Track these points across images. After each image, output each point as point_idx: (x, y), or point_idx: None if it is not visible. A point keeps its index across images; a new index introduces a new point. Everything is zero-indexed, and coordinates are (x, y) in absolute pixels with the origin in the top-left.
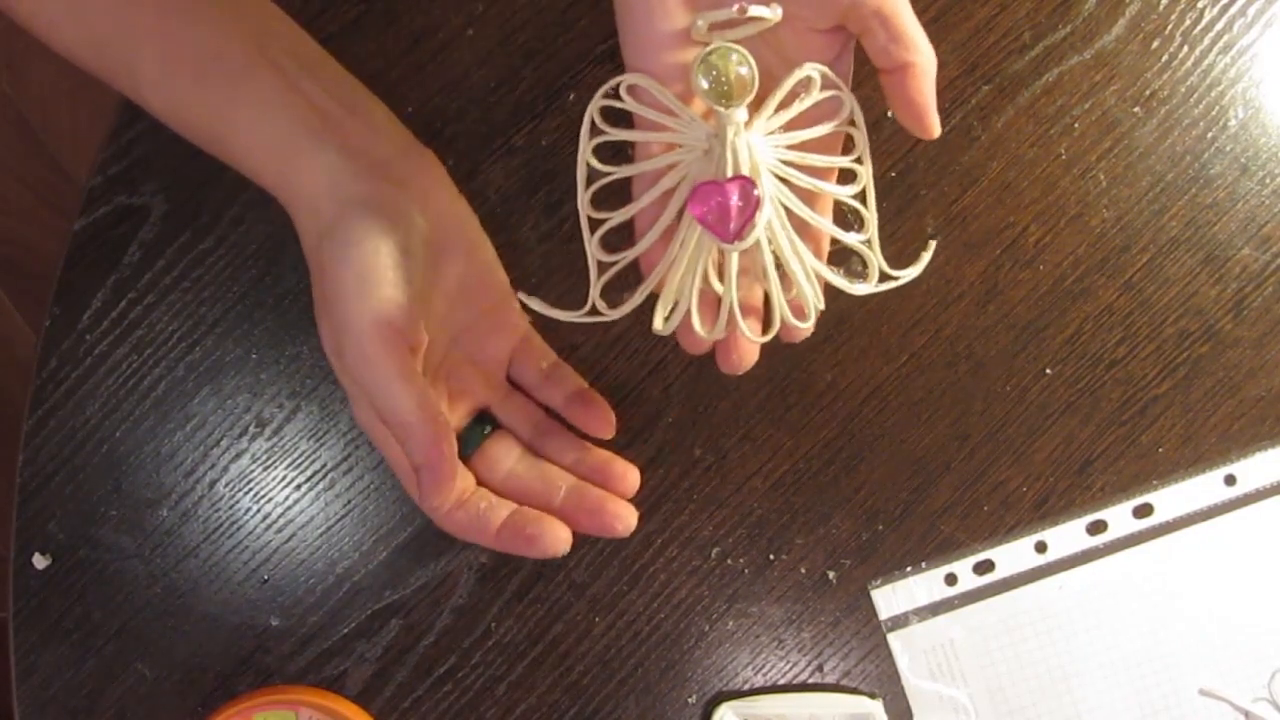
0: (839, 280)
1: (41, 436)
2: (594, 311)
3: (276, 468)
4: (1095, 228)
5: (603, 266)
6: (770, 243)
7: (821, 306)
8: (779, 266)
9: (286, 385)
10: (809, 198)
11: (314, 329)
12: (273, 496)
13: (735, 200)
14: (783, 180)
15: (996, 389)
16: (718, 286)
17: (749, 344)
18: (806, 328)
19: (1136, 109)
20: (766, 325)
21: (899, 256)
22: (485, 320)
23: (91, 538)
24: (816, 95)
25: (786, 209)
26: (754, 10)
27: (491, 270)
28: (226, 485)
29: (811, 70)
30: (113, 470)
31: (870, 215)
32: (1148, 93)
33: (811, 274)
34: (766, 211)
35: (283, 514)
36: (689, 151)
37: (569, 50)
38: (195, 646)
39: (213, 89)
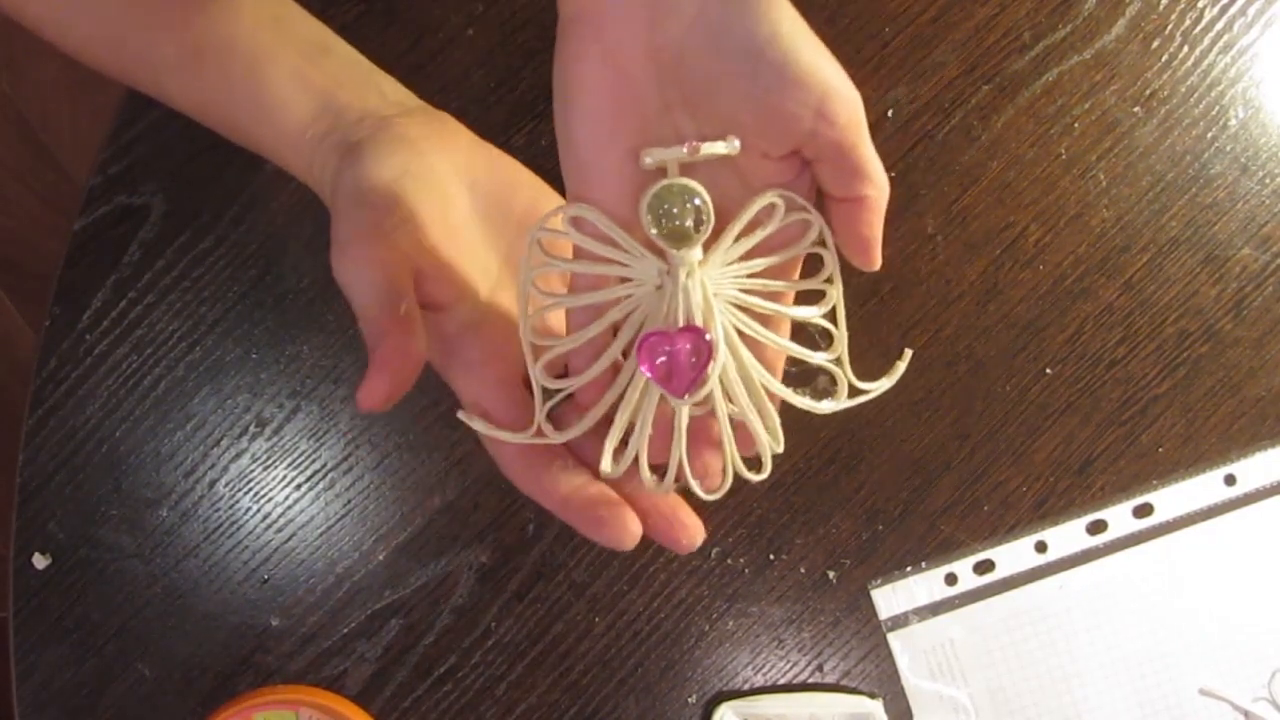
0: (804, 402)
1: (41, 436)
2: (539, 434)
3: (276, 468)
4: (1095, 228)
5: (548, 392)
6: (725, 390)
7: (780, 449)
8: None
9: (286, 385)
10: (772, 319)
11: (314, 328)
12: (273, 496)
13: (686, 352)
14: (743, 309)
15: (996, 389)
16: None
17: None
18: (762, 479)
19: (1136, 109)
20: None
21: (898, 257)
22: None
23: (91, 537)
24: (779, 220)
25: (746, 336)
26: (707, 149)
27: (550, 204)
28: (226, 485)
29: (774, 197)
30: (113, 470)
31: (840, 334)
32: (1148, 93)
33: (773, 418)
34: (720, 360)
35: (283, 514)
36: (640, 284)
37: None
38: (195, 646)
39: (238, 76)
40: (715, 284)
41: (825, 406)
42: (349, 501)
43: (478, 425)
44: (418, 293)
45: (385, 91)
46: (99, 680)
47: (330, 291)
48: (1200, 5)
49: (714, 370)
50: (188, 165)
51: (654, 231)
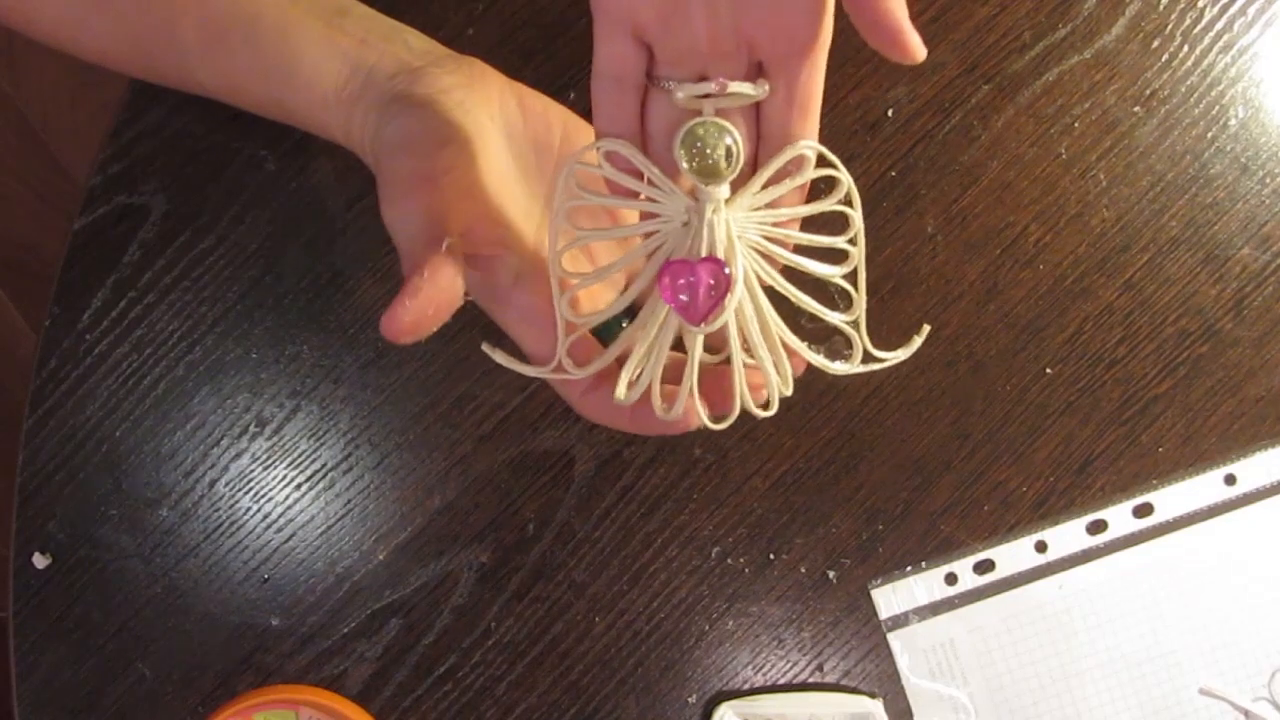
0: (819, 360)
1: (41, 436)
2: (559, 369)
3: (276, 467)
4: (1095, 227)
5: (571, 326)
6: (740, 327)
7: (788, 393)
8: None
9: (286, 385)
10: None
11: (314, 328)
12: (273, 496)
13: (706, 282)
14: (766, 256)
15: (996, 389)
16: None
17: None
18: (769, 415)
19: (1136, 108)
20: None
21: (898, 258)
22: None
23: (92, 537)
24: (810, 173)
25: (767, 287)
26: (734, 88)
27: (583, 134)
28: (226, 485)
29: (806, 149)
30: (113, 470)
31: (859, 296)
32: (1148, 92)
33: (784, 361)
34: (737, 293)
35: (283, 514)
36: (667, 221)
37: (569, 50)
38: (195, 646)
39: (264, 48)
40: (739, 227)
41: (838, 367)
42: (349, 501)
43: (499, 357)
44: (465, 243)
45: (411, 43)
46: (99, 680)
47: (330, 291)
48: (1200, 5)
49: (730, 302)
50: (188, 165)
51: (686, 166)
